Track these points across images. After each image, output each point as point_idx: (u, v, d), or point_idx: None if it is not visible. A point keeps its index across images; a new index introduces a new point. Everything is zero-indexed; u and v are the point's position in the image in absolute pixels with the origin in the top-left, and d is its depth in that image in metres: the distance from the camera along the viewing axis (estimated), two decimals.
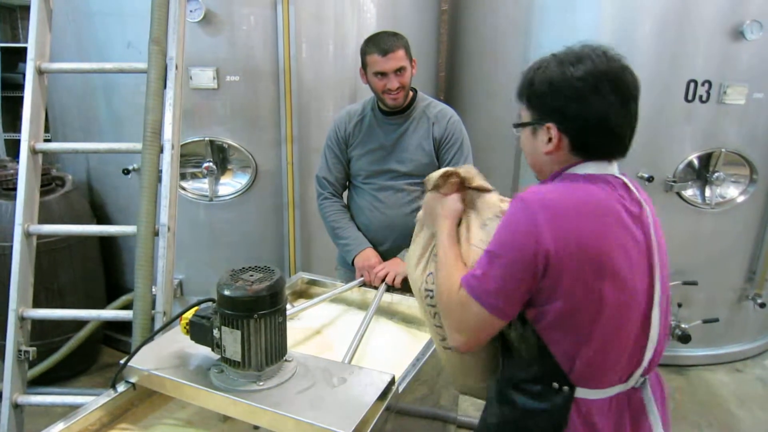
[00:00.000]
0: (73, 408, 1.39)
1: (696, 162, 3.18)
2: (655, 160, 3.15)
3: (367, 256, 2.26)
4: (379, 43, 2.13)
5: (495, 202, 1.32)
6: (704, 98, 3.05)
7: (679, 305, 3.27)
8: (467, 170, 1.35)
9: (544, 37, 3.27)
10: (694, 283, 3.25)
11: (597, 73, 1.15)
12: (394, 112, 2.27)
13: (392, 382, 1.41)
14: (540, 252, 1.08)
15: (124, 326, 2.67)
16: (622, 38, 3.05)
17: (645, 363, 1.20)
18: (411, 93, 2.28)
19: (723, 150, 3.13)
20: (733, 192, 3.28)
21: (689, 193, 3.22)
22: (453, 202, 1.33)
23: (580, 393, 1.17)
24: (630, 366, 1.20)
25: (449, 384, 1.86)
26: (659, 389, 1.30)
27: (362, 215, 2.38)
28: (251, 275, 1.37)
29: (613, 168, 1.21)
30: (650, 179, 3.10)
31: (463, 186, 1.35)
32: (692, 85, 3.02)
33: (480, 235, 1.27)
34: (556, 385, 1.18)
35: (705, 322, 3.30)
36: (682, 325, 3.25)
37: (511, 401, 1.25)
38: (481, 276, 1.15)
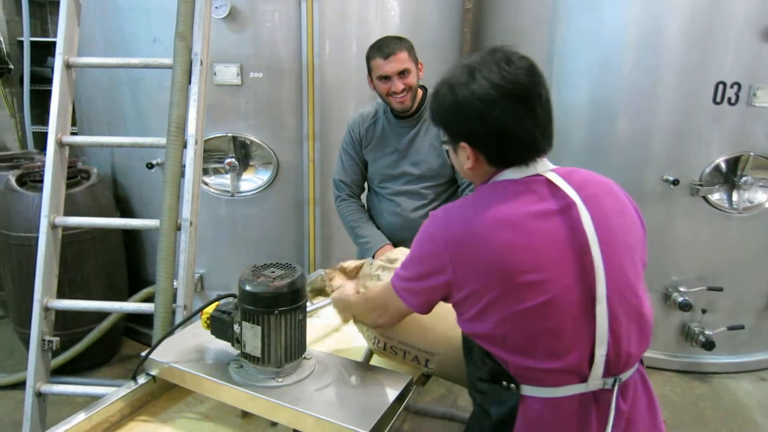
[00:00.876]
0: (95, 398, 1.41)
1: (723, 165, 3.11)
2: (681, 163, 3.09)
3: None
4: (381, 47, 2.12)
5: (367, 264, 1.66)
6: (733, 100, 2.98)
7: (704, 311, 3.21)
8: (342, 264, 1.73)
9: (569, 37, 3.22)
10: (720, 289, 3.19)
11: (488, 87, 1.15)
12: (405, 115, 2.26)
13: (410, 383, 1.40)
14: (441, 264, 1.17)
15: (146, 319, 2.70)
16: (649, 39, 3.00)
17: (599, 361, 1.14)
18: (421, 93, 2.26)
19: (752, 154, 3.06)
20: (761, 197, 3.20)
21: (716, 197, 3.15)
22: (346, 284, 1.59)
23: (527, 391, 1.17)
24: (582, 366, 1.14)
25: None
26: (645, 392, 1.26)
27: (381, 218, 2.39)
28: (273, 272, 1.37)
29: (534, 168, 1.21)
30: (675, 182, 3.05)
31: (348, 275, 1.69)
32: (721, 86, 2.96)
33: (373, 282, 1.54)
34: (504, 383, 1.18)
35: (730, 329, 3.24)
36: (707, 332, 3.19)
37: (474, 398, 1.28)
38: (397, 274, 1.30)
